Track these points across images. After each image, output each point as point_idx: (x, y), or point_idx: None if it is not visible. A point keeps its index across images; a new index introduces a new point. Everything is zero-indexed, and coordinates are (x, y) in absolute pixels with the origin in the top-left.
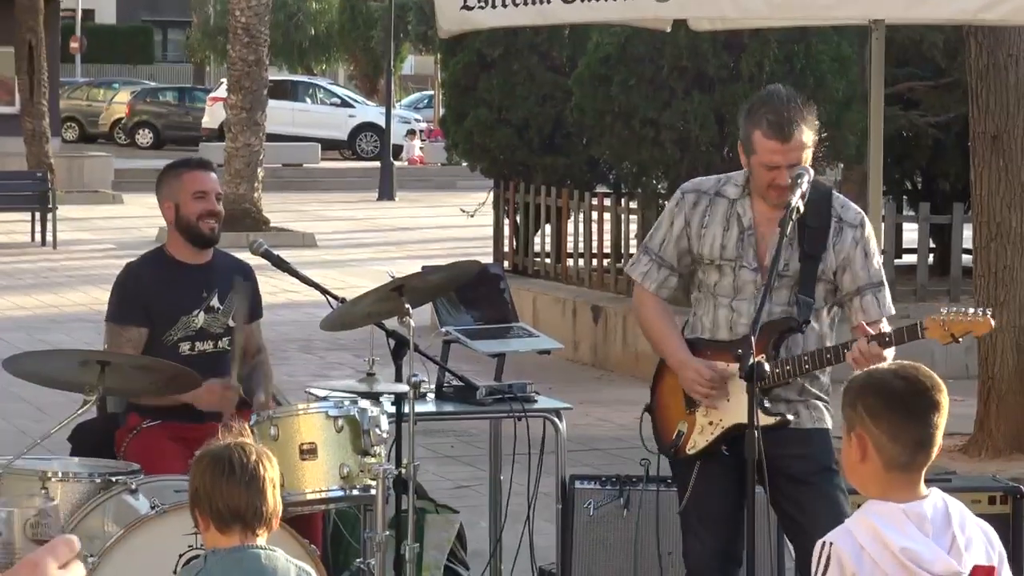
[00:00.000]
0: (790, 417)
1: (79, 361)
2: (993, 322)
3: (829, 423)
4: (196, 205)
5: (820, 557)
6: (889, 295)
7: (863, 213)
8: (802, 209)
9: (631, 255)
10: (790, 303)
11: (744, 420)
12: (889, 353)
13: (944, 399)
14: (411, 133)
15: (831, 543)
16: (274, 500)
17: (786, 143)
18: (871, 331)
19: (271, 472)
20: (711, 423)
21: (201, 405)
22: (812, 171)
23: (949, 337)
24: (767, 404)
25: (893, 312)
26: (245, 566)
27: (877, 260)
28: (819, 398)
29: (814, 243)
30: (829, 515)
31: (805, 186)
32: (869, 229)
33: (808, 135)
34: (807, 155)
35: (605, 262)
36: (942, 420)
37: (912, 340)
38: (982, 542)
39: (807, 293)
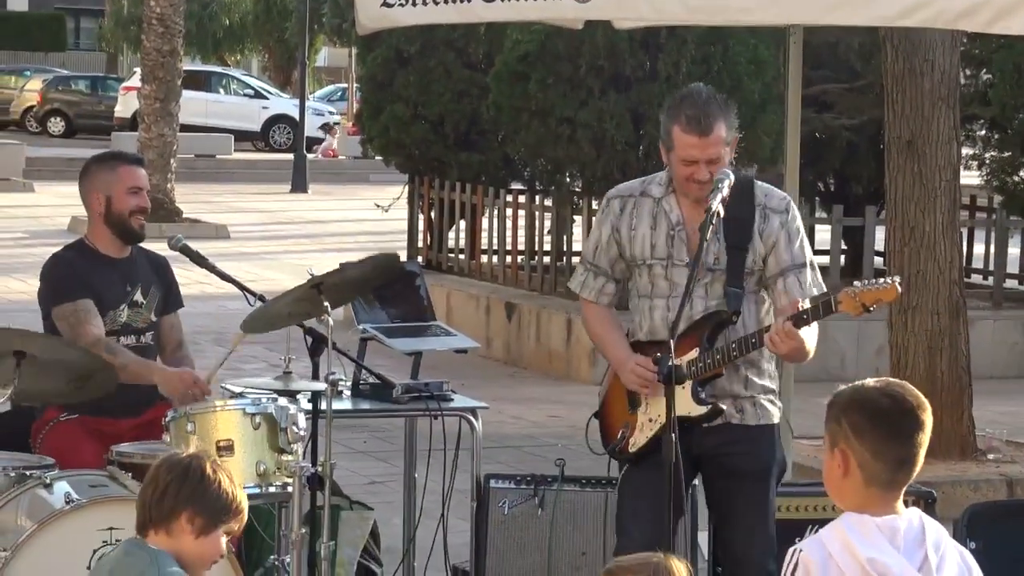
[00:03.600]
0: (723, 406)
1: None
2: (900, 288)
3: (776, 418)
4: (130, 200)
5: (789, 563)
6: (813, 276)
7: (788, 198)
8: (722, 213)
9: (546, 252)
10: (724, 296)
11: (685, 412)
12: (811, 330)
13: (928, 418)
14: (328, 127)
15: (800, 550)
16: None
17: (704, 137)
18: (789, 311)
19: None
20: (651, 420)
21: (164, 388)
22: (733, 175)
23: (861, 308)
24: (703, 395)
25: (824, 291)
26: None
27: (801, 242)
28: (765, 391)
29: (739, 234)
30: (756, 516)
31: (726, 191)
32: (794, 212)
33: (726, 131)
34: (726, 152)
35: (519, 259)
36: (925, 439)
37: (828, 315)
38: (960, 571)
39: (736, 284)
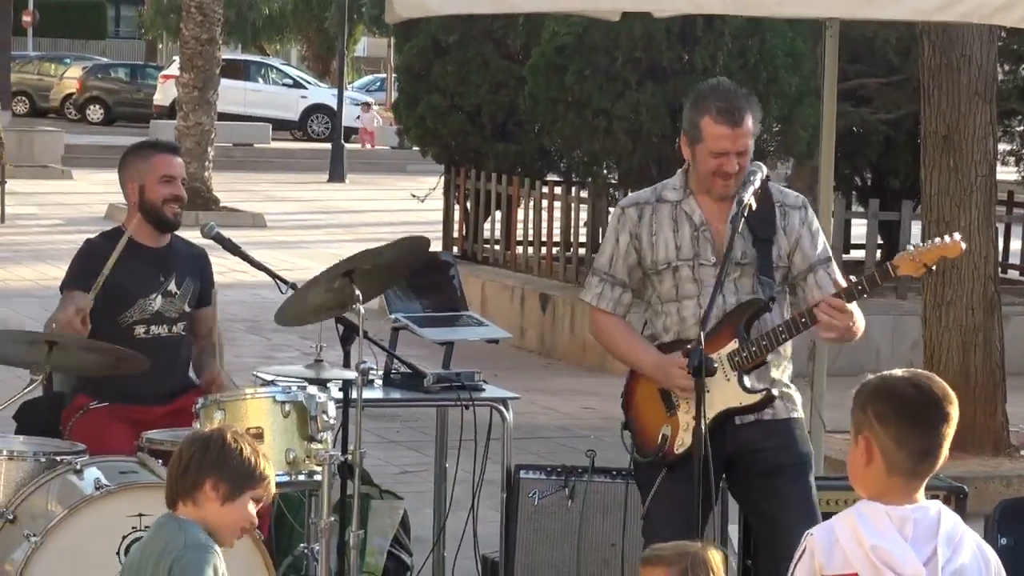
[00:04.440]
0: (775, 392)
1: (27, 340)
2: (964, 245)
3: (801, 411)
4: (163, 189)
5: (800, 547)
6: (838, 270)
7: (802, 196)
8: (755, 206)
9: (581, 244)
10: (753, 289)
11: (736, 403)
12: (857, 310)
13: (954, 411)
14: (365, 105)
15: (811, 534)
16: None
17: (736, 128)
18: (843, 285)
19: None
20: (695, 418)
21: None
22: (765, 168)
23: (923, 268)
24: (748, 384)
25: (844, 285)
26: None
27: (822, 238)
28: (789, 383)
29: (764, 227)
30: (804, 508)
31: (758, 183)
32: (810, 209)
33: (754, 124)
34: (752, 144)
35: (554, 251)
36: (950, 431)
37: (885, 282)
38: (975, 563)
39: (767, 275)
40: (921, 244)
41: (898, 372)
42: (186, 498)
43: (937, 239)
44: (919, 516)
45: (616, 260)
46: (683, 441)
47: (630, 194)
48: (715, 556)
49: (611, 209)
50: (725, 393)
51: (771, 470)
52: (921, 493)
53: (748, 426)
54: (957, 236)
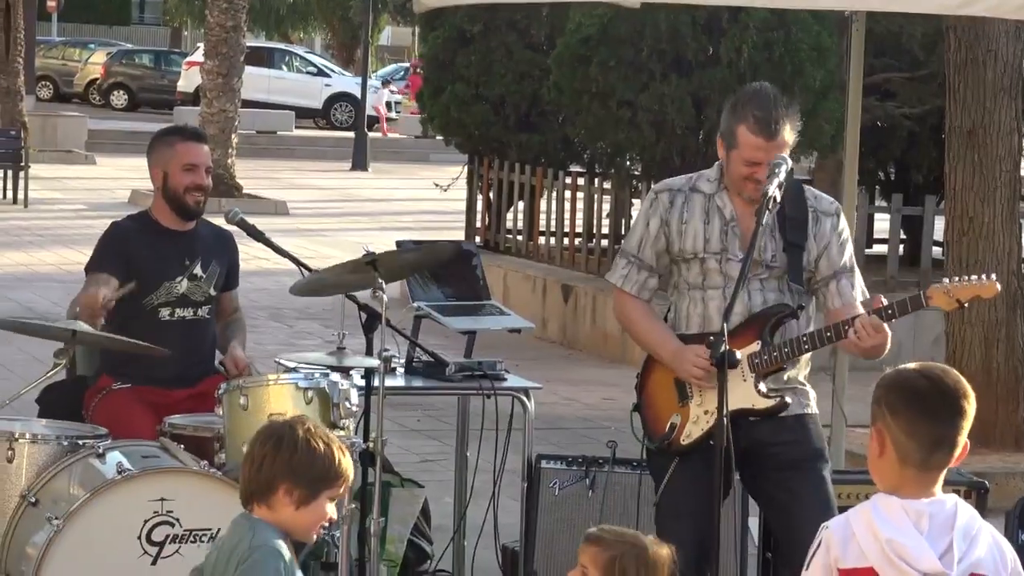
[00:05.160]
0: (788, 400)
1: (47, 333)
2: (999, 286)
3: (815, 408)
4: (185, 177)
5: (816, 539)
6: (861, 280)
7: (837, 202)
8: (779, 199)
9: (603, 235)
10: (780, 291)
11: (748, 404)
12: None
13: (968, 403)
14: (384, 83)
15: (827, 527)
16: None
17: (771, 141)
18: (874, 304)
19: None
20: (706, 412)
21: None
22: (790, 161)
23: (955, 303)
24: (763, 388)
25: (867, 297)
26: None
27: (850, 247)
28: (803, 380)
29: (796, 232)
30: (818, 500)
31: (783, 176)
32: (843, 217)
33: (790, 135)
34: (787, 155)
35: (577, 241)
36: (964, 423)
37: (916, 310)
38: (991, 557)
39: (796, 281)
40: (957, 280)
41: (913, 365)
42: (260, 501)
43: (974, 277)
44: (935, 510)
45: (645, 244)
46: (690, 433)
47: (664, 180)
48: (660, 556)
49: (634, 201)
50: (740, 393)
51: (785, 464)
52: (939, 487)
53: (762, 422)
54: (994, 276)
